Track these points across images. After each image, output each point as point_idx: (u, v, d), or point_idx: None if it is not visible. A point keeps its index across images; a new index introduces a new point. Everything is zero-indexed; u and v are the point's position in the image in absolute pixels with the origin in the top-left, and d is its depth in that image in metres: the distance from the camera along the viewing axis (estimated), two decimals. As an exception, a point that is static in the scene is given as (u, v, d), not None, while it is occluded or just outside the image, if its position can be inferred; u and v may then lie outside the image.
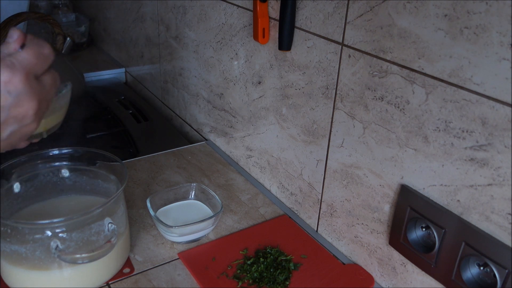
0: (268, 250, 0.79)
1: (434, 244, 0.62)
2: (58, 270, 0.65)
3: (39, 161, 0.75)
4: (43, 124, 0.57)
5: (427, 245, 0.64)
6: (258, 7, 0.84)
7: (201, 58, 1.12)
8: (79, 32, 1.78)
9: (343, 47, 0.71)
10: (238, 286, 0.72)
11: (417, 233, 0.65)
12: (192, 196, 0.89)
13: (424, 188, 0.63)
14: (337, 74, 0.73)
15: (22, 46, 0.47)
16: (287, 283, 0.73)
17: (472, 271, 0.58)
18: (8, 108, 0.45)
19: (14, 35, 0.47)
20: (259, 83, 0.93)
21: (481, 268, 0.57)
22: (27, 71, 0.46)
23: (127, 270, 0.75)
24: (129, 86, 1.63)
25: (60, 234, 0.63)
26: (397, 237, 0.68)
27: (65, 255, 0.63)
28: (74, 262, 0.64)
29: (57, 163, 0.76)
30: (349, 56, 0.70)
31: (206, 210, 0.86)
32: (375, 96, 0.67)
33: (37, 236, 0.63)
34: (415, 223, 0.65)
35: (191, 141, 1.24)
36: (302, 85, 0.81)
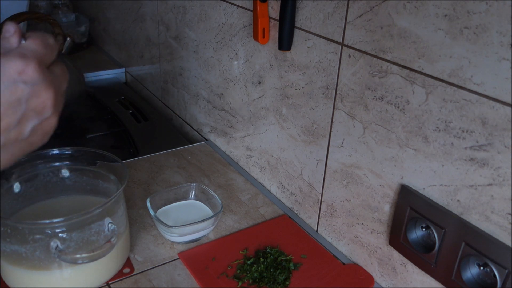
0: (268, 250, 0.79)
1: (434, 244, 0.62)
2: (58, 270, 0.65)
3: (39, 161, 0.75)
4: None
5: (427, 245, 0.64)
6: (258, 7, 0.84)
7: (201, 58, 1.12)
8: (79, 32, 1.78)
9: (343, 47, 0.71)
10: (238, 286, 0.72)
11: (417, 233, 0.65)
12: (192, 196, 0.89)
13: (424, 188, 0.63)
14: (337, 74, 0.73)
15: (24, 38, 0.46)
16: (287, 283, 0.73)
17: (472, 271, 0.58)
18: (26, 100, 0.43)
19: (11, 29, 0.46)
20: (259, 83, 0.93)
21: (481, 268, 0.57)
22: (38, 59, 0.44)
23: (127, 270, 0.75)
24: (129, 86, 1.63)
25: (60, 234, 0.63)
26: (397, 237, 0.68)
27: (65, 255, 0.63)
28: (74, 262, 0.64)
29: (57, 163, 0.76)
30: (349, 56, 0.70)
31: (206, 210, 0.86)
32: (375, 96, 0.67)
33: (37, 236, 0.63)
34: (415, 223, 0.65)
35: (191, 141, 1.24)
36: (302, 85, 0.81)
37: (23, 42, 0.46)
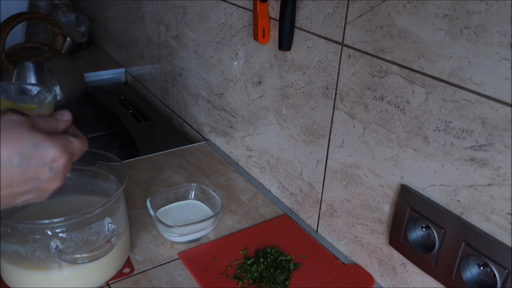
0: (268, 250, 0.79)
1: (434, 244, 0.62)
2: (58, 270, 0.65)
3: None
4: None
5: (427, 245, 0.64)
6: (258, 7, 0.84)
7: (201, 58, 1.12)
8: (79, 32, 1.78)
9: (343, 47, 0.71)
10: (238, 286, 0.72)
11: (417, 233, 0.65)
12: (192, 196, 0.89)
13: (424, 188, 0.63)
14: (337, 74, 0.73)
15: (72, 131, 0.53)
16: (287, 283, 0.73)
17: (472, 271, 0.58)
18: (41, 182, 0.49)
19: (65, 116, 0.52)
20: (259, 83, 0.93)
21: (481, 268, 0.57)
22: (71, 157, 0.51)
23: (127, 270, 0.75)
24: (129, 86, 1.63)
25: (60, 234, 0.63)
26: (397, 237, 0.68)
27: (65, 255, 0.63)
28: (74, 262, 0.64)
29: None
30: (349, 56, 0.70)
31: (206, 210, 0.86)
32: (375, 96, 0.67)
33: (37, 236, 0.63)
34: (415, 223, 0.65)
35: (191, 141, 1.24)
36: (302, 85, 0.81)
37: (72, 137, 0.53)
